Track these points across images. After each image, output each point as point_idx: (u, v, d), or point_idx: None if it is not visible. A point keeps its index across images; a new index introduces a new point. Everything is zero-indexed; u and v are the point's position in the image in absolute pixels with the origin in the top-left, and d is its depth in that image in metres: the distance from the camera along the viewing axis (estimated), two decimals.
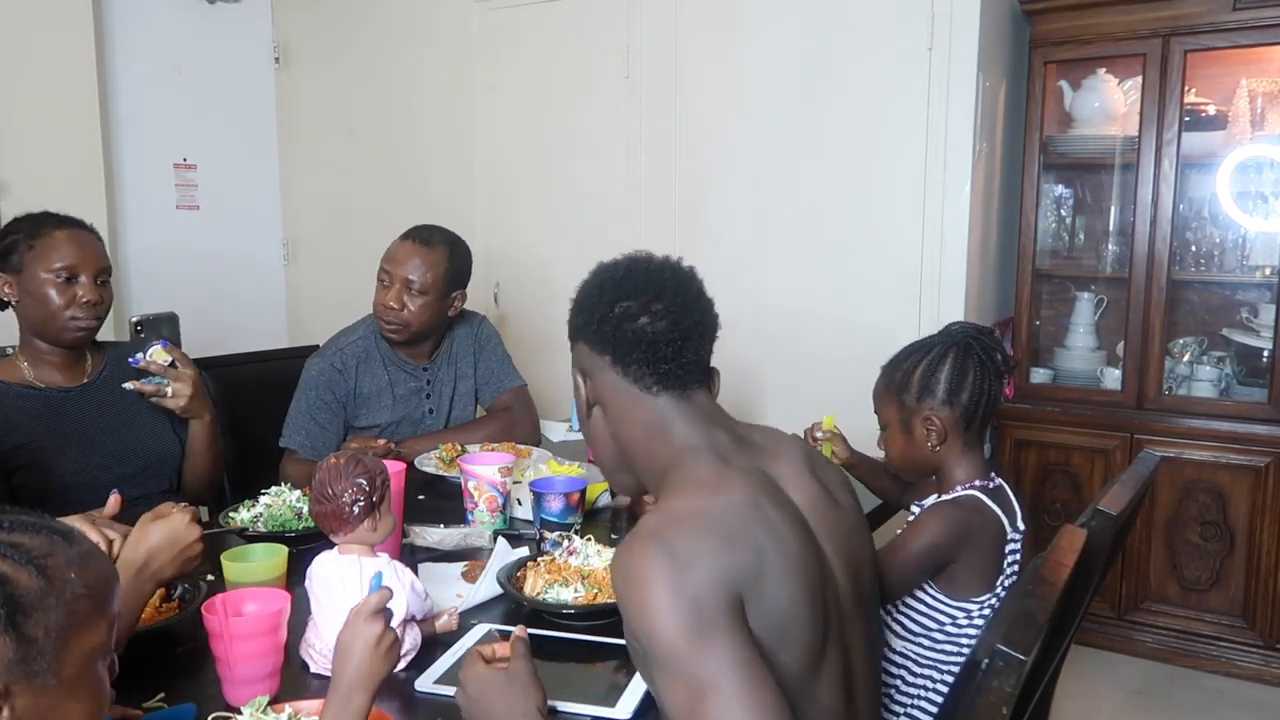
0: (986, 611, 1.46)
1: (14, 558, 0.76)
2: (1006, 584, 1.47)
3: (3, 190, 3.05)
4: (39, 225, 1.82)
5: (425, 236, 2.27)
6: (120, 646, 1.16)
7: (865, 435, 1.80)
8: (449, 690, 1.16)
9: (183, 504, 1.31)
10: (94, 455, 1.82)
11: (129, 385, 1.82)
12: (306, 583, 1.26)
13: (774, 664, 0.95)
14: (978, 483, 1.50)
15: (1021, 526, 1.50)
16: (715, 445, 1.11)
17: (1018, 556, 1.49)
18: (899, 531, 1.51)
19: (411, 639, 1.25)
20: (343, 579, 1.22)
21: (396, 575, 1.24)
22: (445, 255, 2.25)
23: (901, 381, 1.54)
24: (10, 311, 1.85)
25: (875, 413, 1.60)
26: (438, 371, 2.35)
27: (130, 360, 1.84)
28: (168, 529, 1.24)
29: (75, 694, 0.79)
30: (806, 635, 0.99)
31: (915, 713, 1.47)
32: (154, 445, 1.92)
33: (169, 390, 1.83)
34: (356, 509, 1.23)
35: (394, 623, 1.21)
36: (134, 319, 1.89)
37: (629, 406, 1.14)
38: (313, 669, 1.23)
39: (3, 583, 0.75)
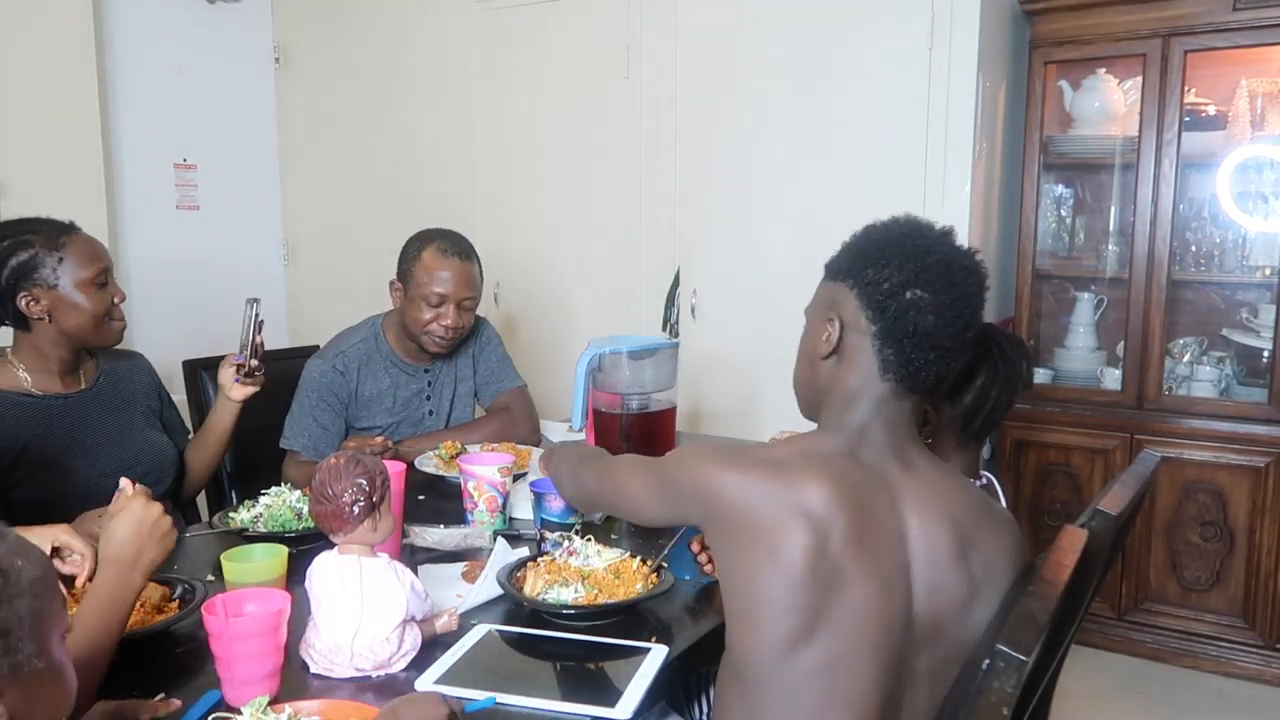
0: None
1: None
2: None
3: (3, 190, 3.05)
4: (54, 230, 1.76)
5: (461, 248, 2.24)
6: (117, 635, 1.16)
7: None
8: (450, 690, 1.16)
9: (124, 482, 1.30)
10: (95, 463, 1.80)
11: (247, 360, 1.91)
12: (306, 583, 1.26)
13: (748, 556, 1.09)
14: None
15: None
16: (865, 441, 1.15)
17: None
18: None
19: (411, 639, 1.25)
20: (342, 579, 1.22)
21: (397, 575, 1.24)
22: (477, 261, 2.28)
23: None
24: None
25: None
26: (438, 373, 2.35)
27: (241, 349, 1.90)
28: (130, 517, 1.23)
29: (54, 675, 0.80)
30: (790, 616, 1.06)
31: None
32: (152, 451, 1.92)
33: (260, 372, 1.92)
34: (356, 509, 1.23)
35: (394, 624, 1.22)
36: (250, 298, 1.92)
37: (856, 375, 1.15)
38: (312, 669, 1.23)
39: None
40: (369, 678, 1.22)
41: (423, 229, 2.31)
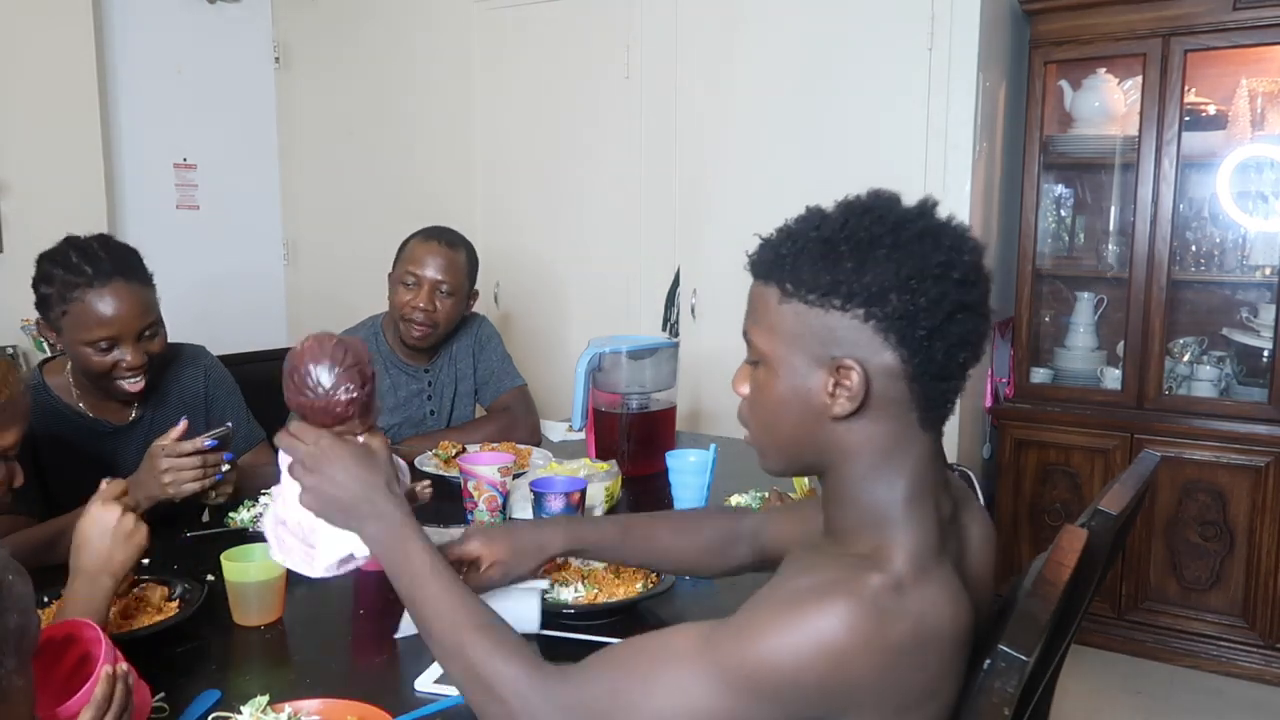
0: None
1: None
2: None
3: (3, 190, 3.05)
4: (72, 281, 1.61)
5: (448, 238, 2.28)
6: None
7: None
8: (450, 691, 1.16)
9: (103, 483, 1.29)
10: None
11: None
12: (281, 462, 1.17)
13: None
14: None
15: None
16: (942, 520, 0.90)
17: None
18: None
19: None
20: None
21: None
22: (466, 254, 2.30)
23: None
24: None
25: None
26: (439, 373, 2.36)
27: (208, 443, 1.61)
28: (91, 522, 1.23)
29: (27, 696, 0.79)
30: None
31: None
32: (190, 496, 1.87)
33: (219, 493, 1.70)
34: (352, 408, 1.10)
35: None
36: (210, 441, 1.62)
37: (891, 431, 0.88)
38: (273, 555, 1.16)
39: None
40: (353, 566, 1.16)
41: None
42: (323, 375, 1.10)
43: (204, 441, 1.60)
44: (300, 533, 1.14)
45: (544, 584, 1.32)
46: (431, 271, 2.23)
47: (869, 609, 0.80)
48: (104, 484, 1.29)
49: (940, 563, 0.88)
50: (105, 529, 1.23)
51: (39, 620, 0.83)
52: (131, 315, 1.65)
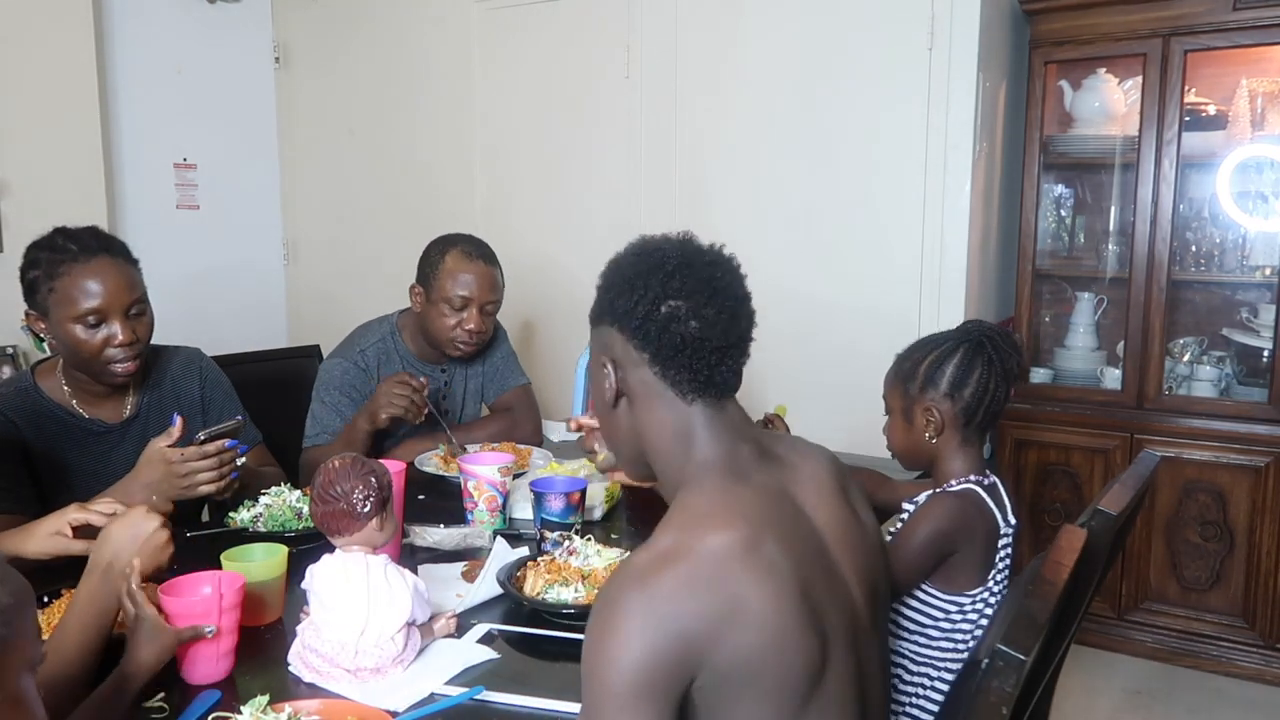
0: (979, 605, 1.46)
1: None
2: (999, 578, 1.48)
3: (3, 190, 3.05)
4: (57, 259, 1.64)
5: (483, 252, 2.24)
6: (100, 645, 1.16)
7: (863, 433, 1.80)
8: (450, 691, 1.16)
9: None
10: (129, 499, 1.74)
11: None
12: (306, 583, 1.25)
13: (743, 701, 0.94)
14: (973, 478, 1.51)
15: (1013, 521, 1.51)
16: (736, 462, 1.05)
17: (1009, 551, 1.50)
18: (893, 528, 1.51)
19: (414, 642, 1.25)
20: (348, 576, 1.22)
21: (402, 577, 1.24)
22: (499, 266, 2.27)
23: (909, 370, 1.55)
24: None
25: (883, 398, 1.61)
26: (454, 373, 2.35)
27: (230, 443, 1.64)
28: (127, 526, 1.24)
29: (16, 708, 0.77)
30: (791, 671, 0.95)
31: (915, 711, 1.47)
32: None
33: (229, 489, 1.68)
34: (368, 505, 1.23)
35: (400, 623, 1.21)
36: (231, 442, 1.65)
37: (659, 408, 1.07)
38: (306, 678, 1.21)
39: None
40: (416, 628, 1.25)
41: (444, 234, 2.29)
42: (342, 485, 1.25)
43: (226, 442, 1.62)
44: (329, 653, 1.21)
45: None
46: (479, 293, 2.19)
47: (634, 588, 0.93)
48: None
49: (733, 494, 1.02)
50: (137, 535, 1.24)
51: (38, 630, 0.81)
52: (118, 288, 1.65)
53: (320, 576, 1.24)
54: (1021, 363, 1.56)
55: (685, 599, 0.92)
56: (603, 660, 0.91)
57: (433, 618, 1.31)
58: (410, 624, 1.24)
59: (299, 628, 1.26)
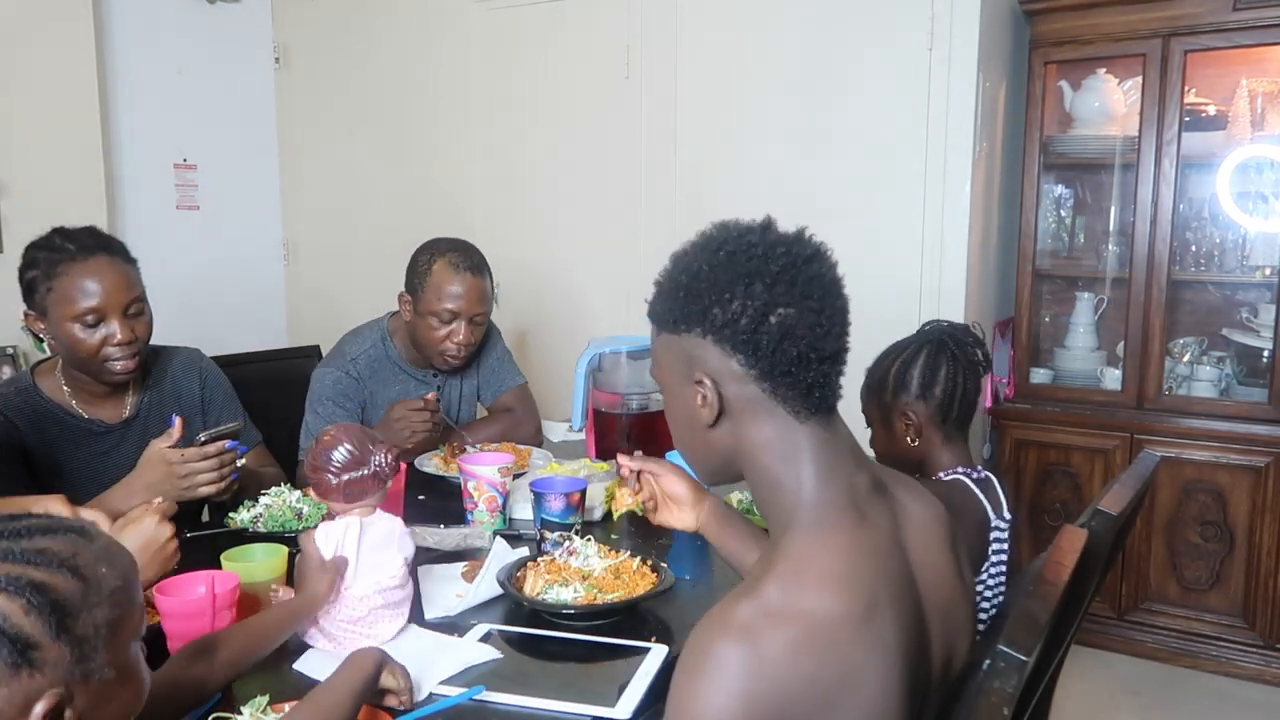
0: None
1: (45, 564, 0.77)
2: (993, 571, 1.49)
3: (3, 190, 3.05)
4: (55, 258, 1.64)
5: (472, 262, 2.19)
6: None
7: (866, 434, 1.80)
8: (450, 691, 1.16)
9: (155, 501, 1.31)
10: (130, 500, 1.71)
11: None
12: (322, 547, 1.28)
13: None
14: (961, 469, 1.52)
15: (1008, 516, 1.52)
16: (854, 497, 0.95)
17: (1004, 546, 1.51)
18: None
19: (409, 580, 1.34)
20: (352, 535, 1.28)
21: (390, 521, 1.33)
22: (488, 274, 2.23)
23: (880, 379, 1.60)
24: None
25: (862, 411, 1.64)
26: (447, 377, 2.35)
27: (230, 444, 1.65)
28: (139, 533, 1.25)
29: (125, 679, 0.81)
30: None
31: None
32: None
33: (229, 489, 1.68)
34: (391, 468, 1.30)
35: (392, 574, 1.30)
36: (231, 443, 1.66)
37: (767, 428, 0.95)
38: (320, 645, 1.28)
39: (43, 591, 0.75)
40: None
41: (431, 239, 2.26)
42: (363, 450, 1.30)
43: (226, 443, 1.63)
44: (354, 605, 1.29)
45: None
46: (467, 306, 2.16)
47: (741, 642, 0.84)
48: (156, 502, 1.32)
49: (854, 533, 0.92)
50: (147, 542, 1.25)
51: (143, 606, 0.85)
52: (116, 287, 1.66)
53: (328, 546, 1.28)
54: (985, 353, 1.59)
55: (794, 663, 0.83)
56: (692, 715, 0.83)
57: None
58: (407, 561, 1.34)
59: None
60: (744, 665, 0.83)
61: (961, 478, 1.52)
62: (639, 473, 1.41)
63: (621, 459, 1.38)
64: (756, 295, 0.92)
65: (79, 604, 0.77)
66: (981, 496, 1.50)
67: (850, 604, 0.86)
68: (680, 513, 1.40)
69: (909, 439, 1.56)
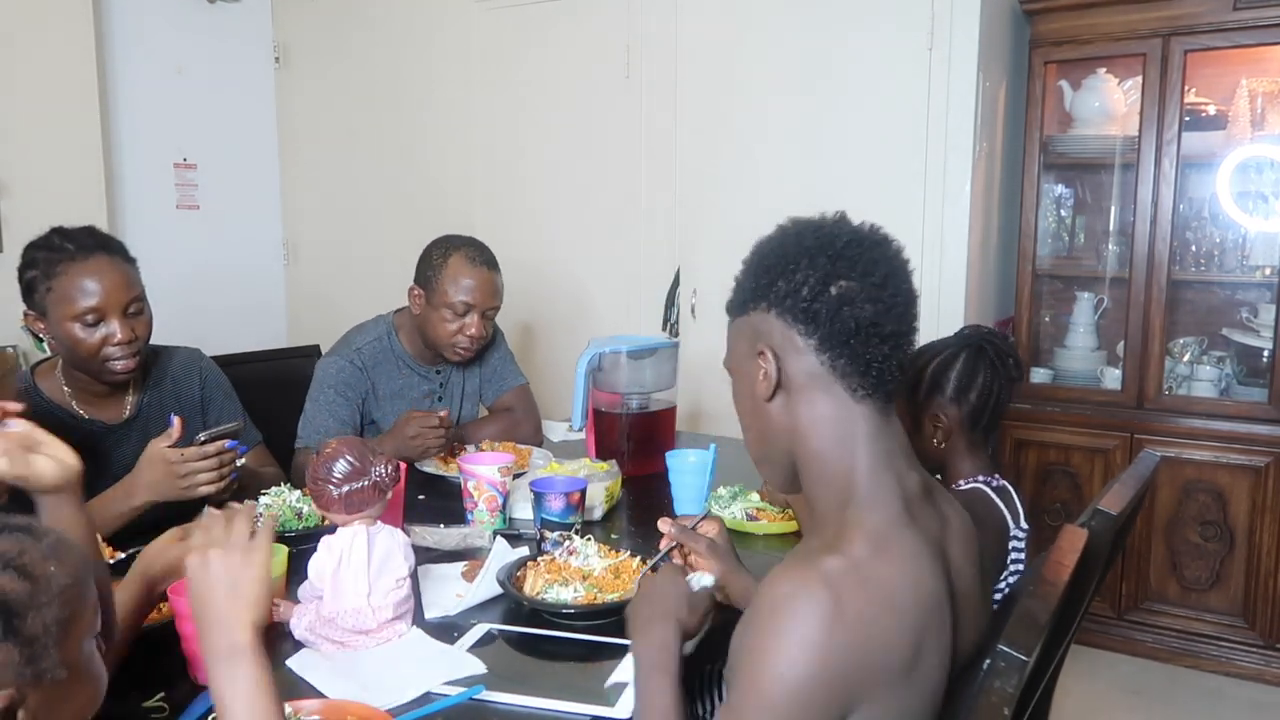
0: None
1: None
2: (1010, 579, 1.48)
3: (3, 190, 3.05)
4: (54, 258, 1.64)
5: (487, 257, 2.22)
6: (125, 648, 1.16)
7: None
8: (450, 691, 1.16)
9: (244, 504, 1.32)
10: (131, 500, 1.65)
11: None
12: (326, 559, 1.29)
13: None
14: (981, 478, 1.51)
15: (1025, 525, 1.51)
16: (907, 493, 0.96)
17: (1022, 555, 1.50)
18: None
19: (409, 587, 1.34)
20: (357, 546, 1.29)
21: (391, 535, 1.33)
22: (500, 270, 2.25)
23: (913, 378, 1.55)
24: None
25: None
26: (450, 374, 2.35)
27: (229, 444, 1.65)
28: (230, 570, 1.02)
29: (79, 678, 0.80)
30: None
31: None
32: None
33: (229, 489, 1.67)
34: (392, 479, 1.32)
35: (399, 582, 1.30)
36: (231, 443, 1.66)
37: (822, 403, 0.97)
38: (325, 650, 1.28)
39: None
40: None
41: (443, 235, 2.27)
42: (365, 462, 1.31)
43: (225, 443, 1.63)
44: (351, 612, 1.29)
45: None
46: (482, 299, 2.17)
47: (828, 593, 0.85)
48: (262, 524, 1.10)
49: (904, 532, 0.93)
50: (235, 584, 1.01)
51: (96, 604, 0.83)
52: (115, 286, 1.66)
53: (329, 550, 1.29)
54: (1020, 362, 1.58)
55: (873, 626, 0.84)
56: (766, 662, 0.83)
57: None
58: (410, 573, 1.34)
59: (300, 610, 1.30)
60: (827, 618, 0.84)
61: (981, 486, 1.51)
62: (678, 545, 1.34)
63: (664, 525, 1.34)
64: (819, 267, 0.96)
65: (27, 604, 0.75)
66: (1001, 505, 1.49)
67: (930, 582, 0.90)
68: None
69: (935, 441, 1.53)
